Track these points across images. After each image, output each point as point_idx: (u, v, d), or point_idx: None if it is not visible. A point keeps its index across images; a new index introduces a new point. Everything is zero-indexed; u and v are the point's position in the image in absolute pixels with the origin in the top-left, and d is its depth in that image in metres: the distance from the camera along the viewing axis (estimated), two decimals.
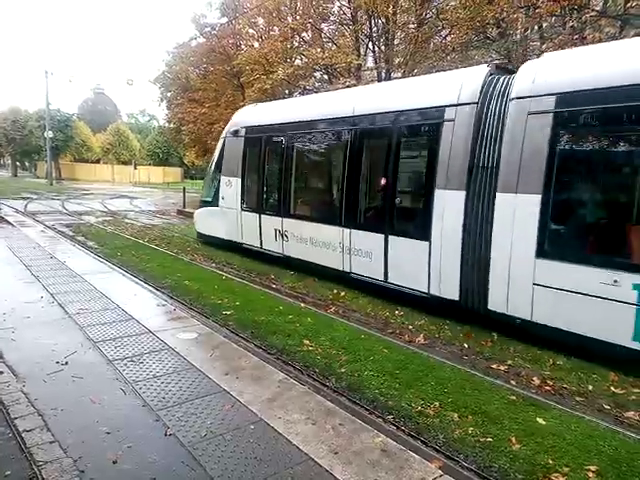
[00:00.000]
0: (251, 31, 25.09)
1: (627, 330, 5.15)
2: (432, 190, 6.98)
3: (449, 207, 6.78)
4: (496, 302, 6.32)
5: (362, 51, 19.92)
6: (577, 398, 4.73)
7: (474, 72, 7.13)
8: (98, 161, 59.74)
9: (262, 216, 10.53)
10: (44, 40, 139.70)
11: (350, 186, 8.42)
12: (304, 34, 21.39)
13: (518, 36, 14.91)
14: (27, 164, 67.29)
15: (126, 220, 18.64)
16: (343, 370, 5.01)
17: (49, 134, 40.40)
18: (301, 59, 21.21)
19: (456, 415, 4.14)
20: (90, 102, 77.37)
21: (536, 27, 14.16)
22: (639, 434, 4.02)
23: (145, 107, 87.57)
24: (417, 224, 7.46)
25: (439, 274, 6.97)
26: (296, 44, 21.39)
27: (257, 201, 10.80)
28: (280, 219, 9.94)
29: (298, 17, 20.70)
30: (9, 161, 62.21)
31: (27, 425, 3.53)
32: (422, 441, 3.77)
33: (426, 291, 7.21)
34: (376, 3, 16.37)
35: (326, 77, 21.00)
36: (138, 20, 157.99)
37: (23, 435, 3.40)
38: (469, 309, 6.79)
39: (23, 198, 26.25)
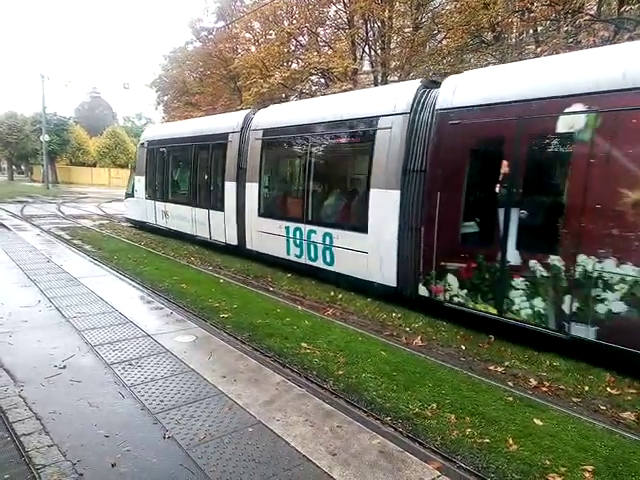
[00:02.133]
0: (248, 35, 25.19)
1: (284, 249, 9.82)
2: (224, 181, 11.77)
3: (229, 191, 11.57)
4: (249, 243, 11.02)
5: (358, 55, 20.02)
6: (574, 399, 4.76)
7: (241, 113, 11.86)
8: (94, 165, 59.59)
9: (156, 202, 15.20)
10: (40, 44, 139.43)
11: (194, 180, 13.43)
12: (300, 38, 21.48)
13: (513, 40, 15.03)
14: (23, 168, 67.08)
15: (122, 223, 18.60)
16: (341, 372, 5.02)
17: (45, 138, 40.28)
18: (297, 63, 21.29)
19: (453, 416, 4.16)
20: (86, 106, 77.35)
21: (531, 31, 14.27)
22: (635, 434, 4.05)
23: (141, 111, 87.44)
24: (219, 202, 12.01)
25: (230, 231, 11.72)
26: (292, 48, 21.47)
27: (153, 192, 15.40)
28: (164, 203, 14.76)
29: (294, 21, 20.78)
30: (5, 165, 62.01)
31: (26, 429, 3.53)
32: (420, 442, 3.78)
33: (224, 242, 12.00)
34: (372, 7, 16.47)
35: (323, 81, 21.07)
36: (135, 24, 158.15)
37: (22, 439, 3.40)
38: (242, 250, 11.37)
39: (19, 202, 26.17)
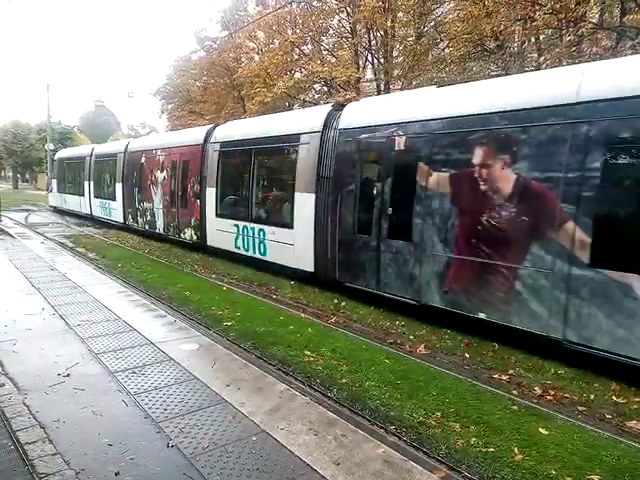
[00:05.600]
0: (251, 44, 25.34)
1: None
2: (83, 181, 21.87)
3: (86, 187, 21.39)
4: (94, 212, 21.10)
5: (361, 63, 20.10)
6: (579, 407, 4.73)
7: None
8: None
9: (62, 194, 24.93)
10: (46, 53, 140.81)
11: (75, 181, 23.12)
12: (304, 47, 21.59)
13: (515, 49, 15.08)
14: (28, 176, 67.46)
15: (126, 231, 18.65)
16: (344, 381, 5.01)
17: (50, 146, 40.40)
18: (301, 72, 21.39)
19: (458, 425, 4.13)
20: (91, 114, 77.88)
21: (533, 39, 14.33)
22: None
23: (145, 119, 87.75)
24: (82, 192, 21.79)
25: (88, 207, 21.41)
26: (296, 57, 21.56)
27: (60, 188, 25.41)
28: (64, 195, 24.64)
29: (298, 30, 20.90)
30: (10, 173, 62.34)
31: (29, 437, 3.53)
32: (424, 452, 3.76)
33: (85, 212, 21.82)
34: (375, 17, 16.55)
35: (326, 89, 21.16)
36: (139, 34, 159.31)
37: (25, 447, 3.40)
38: (88, 216, 21.64)
39: (24, 210, 26.33)
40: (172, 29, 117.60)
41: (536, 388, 5.10)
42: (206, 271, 11.11)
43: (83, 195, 21.62)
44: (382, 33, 18.37)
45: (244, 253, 11.05)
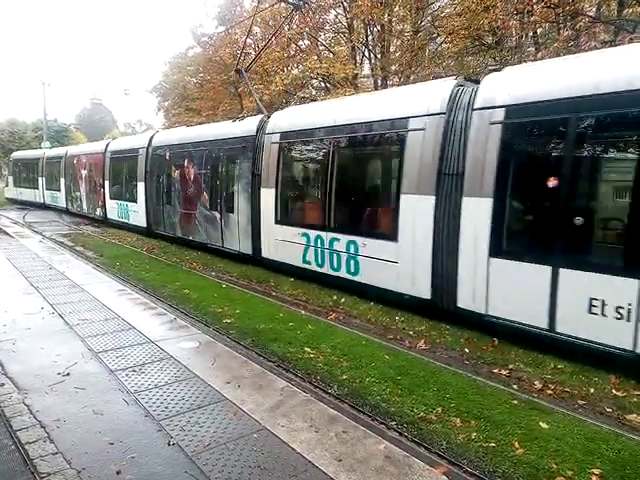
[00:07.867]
0: (248, 40, 25.16)
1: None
2: (37, 177, 27.36)
3: (40, 182, 26.83)
4: (46, 200, 26.40)
5: (358, 59, 20.04)
6: (579, 401, 4.73)
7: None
8: None
9: (18, 188, 30.11)
10: (42, 51, 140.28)
11: (28, 177, 28.95)
12: (300, 42, 21.50)
13: (513, 43, 15.04)
14: None
15: (124, 230, 18.60)
16: (345, 377, 5.01)
17: (46, 144, 40.26)
18: (298, 67, 21.31)
19: (459, 420, 4.14)
20: (87, 112, 77.64)
21: (531, 34, 14.29)
22: None
23: (142, 117, 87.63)
24: (37, 185, 27.08)
25: (42, 197, 26.87)
26: (292, 52, 21.48)
27: (16, 182, 30.58)
28: (20, 188, 29.93)
29: (295, 26, 20.80)
30: (6, 172, 62.18)
31: (30, 437, 3.52)
32: (425, 447, 3.76)
33: (39, 202, 27.01)
34: (373, 11, 16.49)
35: (323, 85, 21.09)
36: (136, 31, 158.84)
37: (26, 447, 3.39)
38: (45, 206, 26.37)
39: (21, 209, 26.28)
40: (168, 25, 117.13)
41: (536, 382, 5.10)
42: (205, 269, 11.09)
43: (38, 188, 26.88)
44: (379, 28, 18.32)
45: (121, 220, 17.80)
